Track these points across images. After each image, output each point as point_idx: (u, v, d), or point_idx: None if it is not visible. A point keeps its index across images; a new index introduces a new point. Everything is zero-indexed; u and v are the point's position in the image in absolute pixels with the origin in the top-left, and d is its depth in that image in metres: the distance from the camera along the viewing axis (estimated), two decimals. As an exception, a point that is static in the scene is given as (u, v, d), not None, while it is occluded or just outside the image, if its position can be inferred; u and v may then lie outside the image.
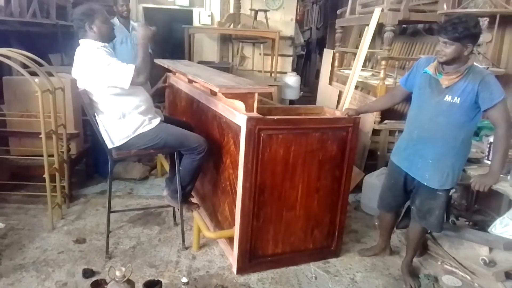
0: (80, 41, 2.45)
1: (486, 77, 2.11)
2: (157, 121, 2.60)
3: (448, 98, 2.18)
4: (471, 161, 2.62)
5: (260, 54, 6.49)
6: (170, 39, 8.46)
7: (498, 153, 2.19)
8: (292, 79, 6.48)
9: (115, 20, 4.32)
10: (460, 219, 3.23)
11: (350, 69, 4.42)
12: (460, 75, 2.14)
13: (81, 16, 2.40)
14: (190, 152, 2.61)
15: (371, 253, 2.85)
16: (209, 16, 6.53)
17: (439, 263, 2.77)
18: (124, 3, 4.23)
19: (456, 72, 2.15)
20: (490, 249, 2.70)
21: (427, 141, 2.29)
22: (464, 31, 2.04)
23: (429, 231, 2.80)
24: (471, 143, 2.36)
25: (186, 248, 2.82)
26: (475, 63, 2.34)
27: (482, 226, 3.10)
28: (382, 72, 3.84)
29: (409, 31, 5.16)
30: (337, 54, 5.39)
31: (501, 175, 2.36)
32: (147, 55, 2.47)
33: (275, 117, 2.36)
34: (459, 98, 2.15)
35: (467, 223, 3.20)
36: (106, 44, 2.48)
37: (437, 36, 2.14)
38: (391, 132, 3.89)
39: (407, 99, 2.52)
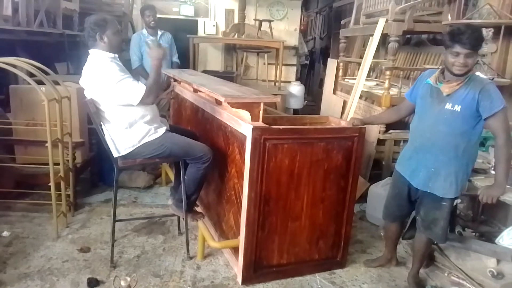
0: (90, 51, 2.47)
1: (487, 85, 2.12)
2: (162, 130, 2.61)
3: (448, 106, 2.19)
4: (478, 171, 2.60)
5: (264, 63, 6.53)
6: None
7: (501, 163, 2.18)
8: (296, 88, 6.50)
9: (144, 31, 4.50)
10: (467, 230, 3.20)
11: (354, 79, 4.43)
12: (460, 83, 2.15)
13: (93, 25, 2.42)
14: (195, 161, 2.61)
15: (376, 264, 2.82)
16: (213, 26, 6.59)
17: (446, 274, 2.74)
18: (150, 14, 4.44)
19: (456, 80, 2.16)
20: (498, 261, 2.67)
21: (429, 149, 2.29)
22: (481, 38, 2.09)
23: (435, 242, 2.78)
24: (475, 152, 2.34)
25: (191, 258, 2.80)
26: (477, 73, 2.35)
27: (489, 237, 3.06)
28: (387, 82, 3.85)
29: (413, 41, 5.19)
30: (341, 64, 5.41)
31: (509, 186, 2.34)
32: (159, 76, 2.50)
33: (281, 127, 2.37)
34: (459, 106, 2.15)
35: (474, 234, 3.17)
36: (117, 55, 2.50)
37: (451, 49, 2.09)
38: (396, 142, 3.89)
39: (413, 112, 2.53)
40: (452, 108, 2.17)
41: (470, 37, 2.04)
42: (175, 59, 4.77)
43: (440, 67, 2.33)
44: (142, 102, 2.40)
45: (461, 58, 2.08)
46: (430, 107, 2.28)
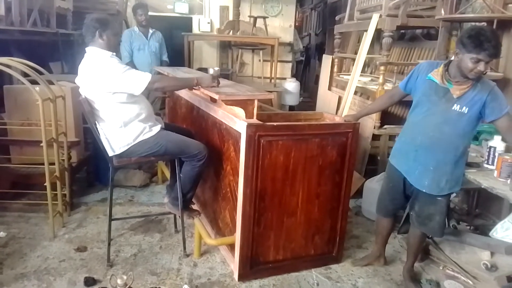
0: (88, 48, 2.47)
1: (494, 88, 2.15)
2: (157, 128, 2.61)
3: (456, 107, 2.17)
4: (471, 165, 2.62)
5: (259, 60, 6.52)
6: (170, 46, 8.51)
7: None
8: (292, 85, 6.50)
9: (135, 28, 4.60)
10: (461, 223, 3.23)
11: (349, 75, 4.44)
12: (470, 85, 2.14)
13: (95, 22, 2.43)
14: (190, 159, 2.62)
15: (365, 262, 2.80)
16: (208, 23, 6.58)
17: (441, 268, 2.77)
18: (142, 13, 4.57)
19: (467, 82, 2.14)
20: (492, 254, 2.70)
21: (430, 148, 2.28)
22: (501, 44, 2.04)
23: (429, 236, 2.80)
24: (468, 150, 2.39)
25: (188, 255, 2.81)
26: None
27: (483, 230, 3.09)
28: (381, 77, 3.86)
29: (407, 36, 5.19)
30: (336, 60, 5.41)
31: (501, 179, 2.37)
32: (180, 86, 2.77)
33: (275, 124, 2.37)
34: (467, 108, 2.15)
35: (468, 227, 3.20)
36: (114, 54, 2.51)
37: (471, 55, 2.01)
38: (391, 137, 3.89)
39: (403, 99, 2.55)
40: (459, 110, 2.16)
41: (496, 45, 1.99)
42: (165, 58, 4.88)
43: (443, 62, 2.26)
44: (148, 88, 2.41)
45: (482, 65, 2.02)
46: (435, 106, 2.24)
